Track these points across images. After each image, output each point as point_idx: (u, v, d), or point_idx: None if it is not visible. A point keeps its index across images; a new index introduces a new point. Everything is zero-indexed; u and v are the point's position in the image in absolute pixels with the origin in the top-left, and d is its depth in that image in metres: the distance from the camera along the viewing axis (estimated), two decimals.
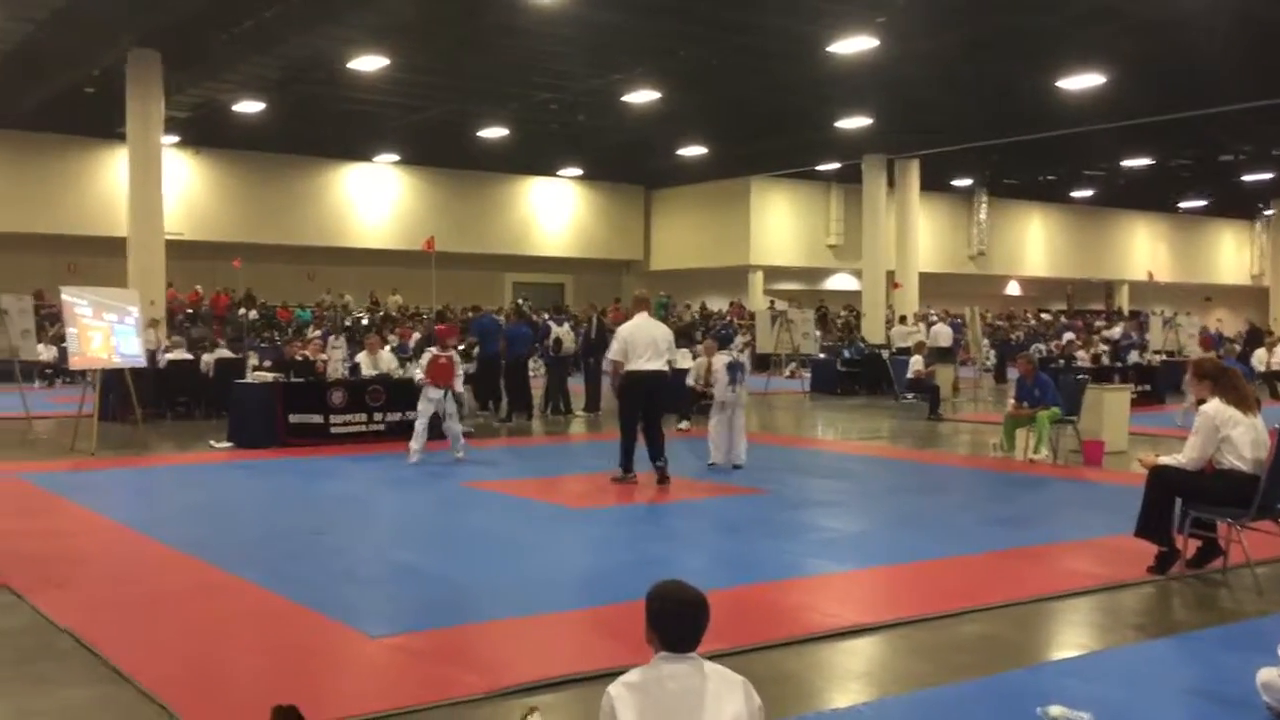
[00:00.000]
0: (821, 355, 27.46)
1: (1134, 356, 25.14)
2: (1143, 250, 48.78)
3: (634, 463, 11.03)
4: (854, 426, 18.05)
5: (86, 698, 4.91)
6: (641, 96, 26.37)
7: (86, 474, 11.87)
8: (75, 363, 14.38)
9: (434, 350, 12.89)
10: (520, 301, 32.64)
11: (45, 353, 23.40)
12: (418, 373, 12.93)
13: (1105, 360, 22.73)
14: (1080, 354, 24.10)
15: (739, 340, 31.19)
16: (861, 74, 23.79)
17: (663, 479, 10.92)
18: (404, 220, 37.00)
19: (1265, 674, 4.72)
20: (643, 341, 10.77)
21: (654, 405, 11.05)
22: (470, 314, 25.60)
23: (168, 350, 18.57)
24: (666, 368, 11.06)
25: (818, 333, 28.75)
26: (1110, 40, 21.31)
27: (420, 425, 12.55)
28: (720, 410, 12.24)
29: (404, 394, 14.75)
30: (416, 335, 22.81)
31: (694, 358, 17.73)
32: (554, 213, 40.95)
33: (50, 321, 25.10)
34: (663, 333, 11.13)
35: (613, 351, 11.00)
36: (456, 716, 4.69)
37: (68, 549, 8.10)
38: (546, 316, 27.93)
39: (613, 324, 25.91)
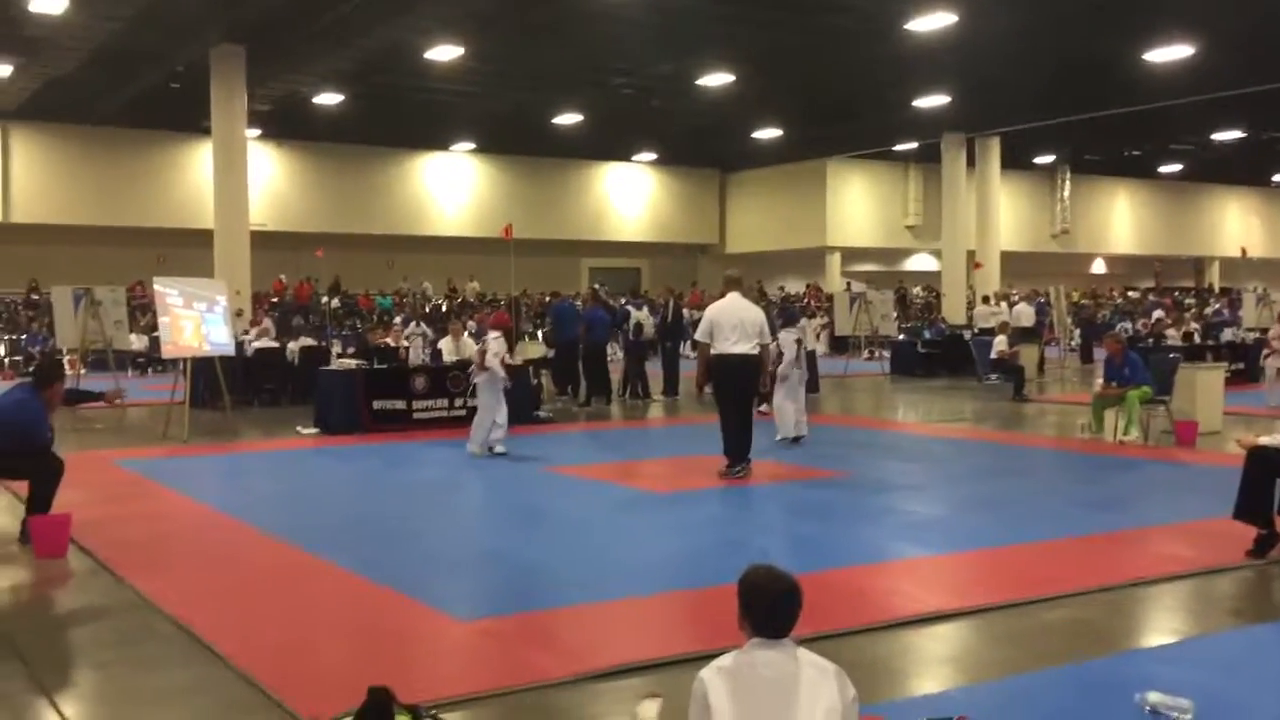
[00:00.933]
0: (900, 337, 27.14)
1: (1227, 334, 24.46)
2: (1234, 225, 47.40)
3: (743, 448, 10.44)
4: (935, 408, 17.82)
5: (188, 678, 5.05)
6: (716, 80, 26.25)
7: (179, 460, 12.18)
8: (168, 351, 14.75)
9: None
10: (597, 286, 32.77)
11: (137, 342, 24.06)
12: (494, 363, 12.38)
13: (1197, 338, 22.16)
14: (1170, 332, 23.53)
15: (805, 322, 31.00)
16: (940, 51, 23.42)
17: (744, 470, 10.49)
18: (481, 208, 37.31)
19: None
20: (729, 323, 10.18)
21: (742, 391, 10.46)
22: (548, 299, 25.76)
23: (256, 338, 18.96)
24: (757, 351, 10.26)
25: (895, 314, 28.43)
26: (1199, 9, 20.70)
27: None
28: (783, 383, 12.58)
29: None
30: None
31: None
32: (629, 198, 40.99)
33: (141, 312, 25.81)
34: (753, 315, 10.38)
35: (699, 332, 10.52)
36: (543, 700, 4.73)
37: (164, 533, 8.32)
38: (624, 301, 27.99)
39: (689, 307, 25.85)
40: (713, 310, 10.52)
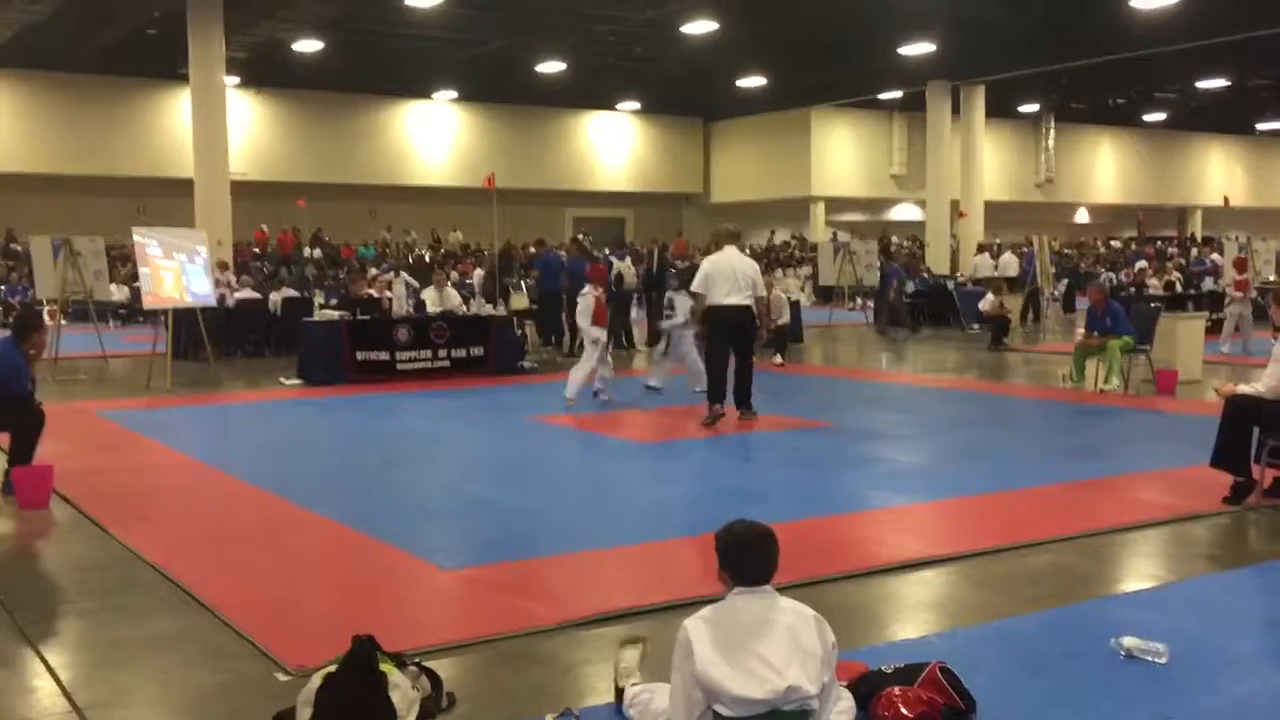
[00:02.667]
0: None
1: (1209, 284, 24.55)
2: (1217, 174, 47.47)
3: (721, 396, 10.72)
4: (919, 359, 17.89)
5: (172, 627, 5.07)
6: (699, 27, 26.01)
7: (163, 411, 12.15)
8: (149, 302, 14.66)
9: (595, 292, 12.33)
10: (580, 236, 32.65)
11: (118, 293, 23.89)
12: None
13: (1179, 288, 22.23)
14: (1152, 282, 23.59)
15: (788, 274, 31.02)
16: None
17: (747, 416, 10.76)
18: (464, 157, 37.05)
19: None
20: (723, 275, 10.43)
21: (741, 342, 10.69)
22: (533, 250, 25.65)
23: (236, 290, 18.85)
24: (750, 303, 10.52)
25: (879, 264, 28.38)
26: None
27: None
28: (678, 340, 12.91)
29: (468, 330, 14.90)
30: (479, 271, 22.91)
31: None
32: (613, 147, 40.75)
33: (121, 263, 25.60)
34: (746, 266, 10.67)
35: (695, 283, 10.75)
36: (529, 647, 4.77)
37: (148, 484, 8.32)
38: (608, 251, 27.90)
39: (674, 257, 25.77)
40: (708, 263, 10.81)
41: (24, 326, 8.09)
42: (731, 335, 10.62)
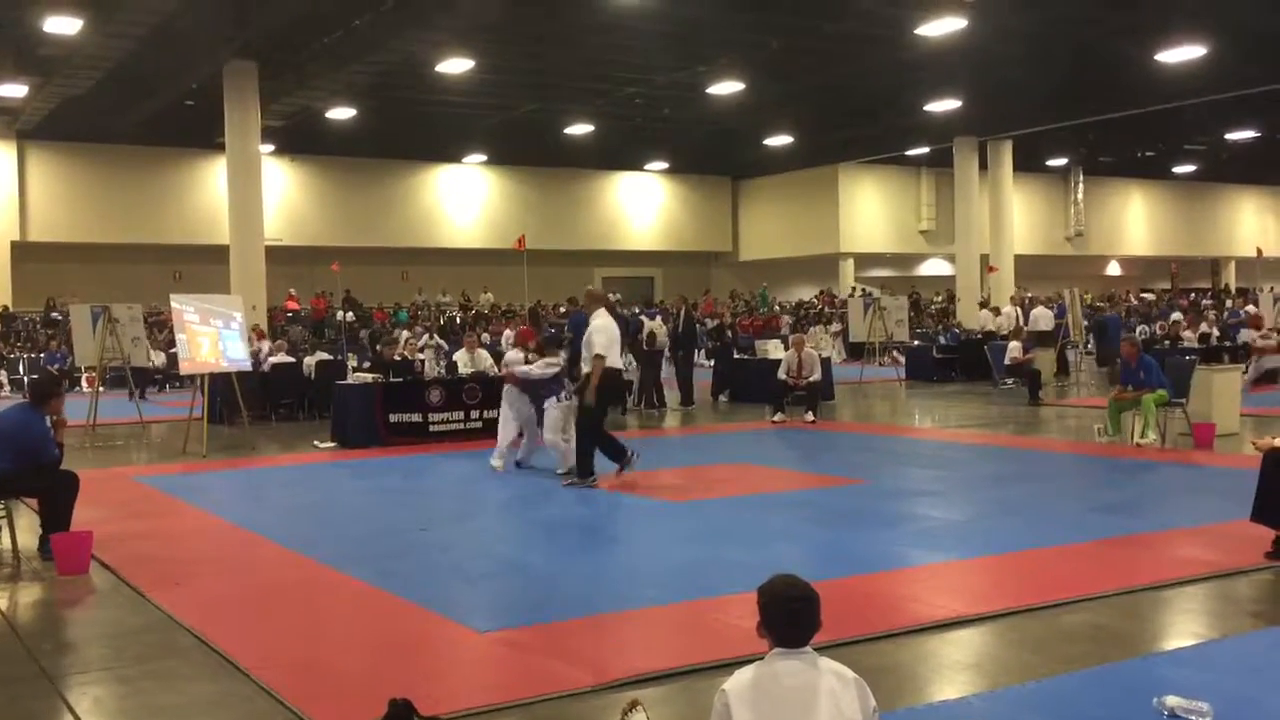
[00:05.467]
0: (915, 343, 27.09)
1: (1244, 335, 24.33)
2: (1250, 225, 47.19)
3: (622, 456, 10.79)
4: (952, 414, 17.78)
5: (210, 692, 5.09)
6: (726, 88, 26.31)
7: (199, 475, 12.25)
8: (185, 368, 14.83)
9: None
10: (610, 296, 32.81)
11: (155, 359, 24.18)
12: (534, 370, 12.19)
13: (1214, 340, 22.08)
14: (1187, 334, 23.42)
15: (823, 328, 30.97)
16: (950, 55, 23.44)
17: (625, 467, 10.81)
18: (494, 219, 37.44)
19: None
20: (613, 339, 10.81)
21: (616, 403, 11.50)
22: (564, 309, 25.79)
23: (271, 354, 19.04)
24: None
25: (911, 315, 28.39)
26: (1210, 9, 20.66)
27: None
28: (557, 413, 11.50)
29: (500, 391, 14.94)
30: (509, 332, 23.07)
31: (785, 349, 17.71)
32: (642, 207, 41.07)
33: (158, 329, 25.94)
34: (619, 329, 11.31)
35: (598, 345, 10.54)
36: (564, 710, 4.75)
37: (184, 548, 8.38)
38: (637, 310, 28.03)
39: (702, 316, 25.81)
40: (603, 326, 10.78)
41: (42, 393, 8.23)
42: (612, 398, 11.21)
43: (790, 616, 3.36)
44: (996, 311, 27.32)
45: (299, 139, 31.41)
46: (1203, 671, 5.06)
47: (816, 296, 39.99)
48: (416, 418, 14.44)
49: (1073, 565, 7.20)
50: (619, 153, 37.01)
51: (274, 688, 5.00)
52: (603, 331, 10.76)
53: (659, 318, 21.75)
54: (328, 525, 9.30)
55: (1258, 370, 19.62)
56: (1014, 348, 19.78)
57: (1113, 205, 44.88)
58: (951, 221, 35.05)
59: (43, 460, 7.88)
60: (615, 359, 10.85)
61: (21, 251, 31.09)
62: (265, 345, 20.19)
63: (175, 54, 21.97)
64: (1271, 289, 29.89)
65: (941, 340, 27.69)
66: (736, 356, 20.89)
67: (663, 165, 40.03)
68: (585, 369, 10.69)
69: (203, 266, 28.85)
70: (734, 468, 10.80)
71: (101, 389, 17.94)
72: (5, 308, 30.08)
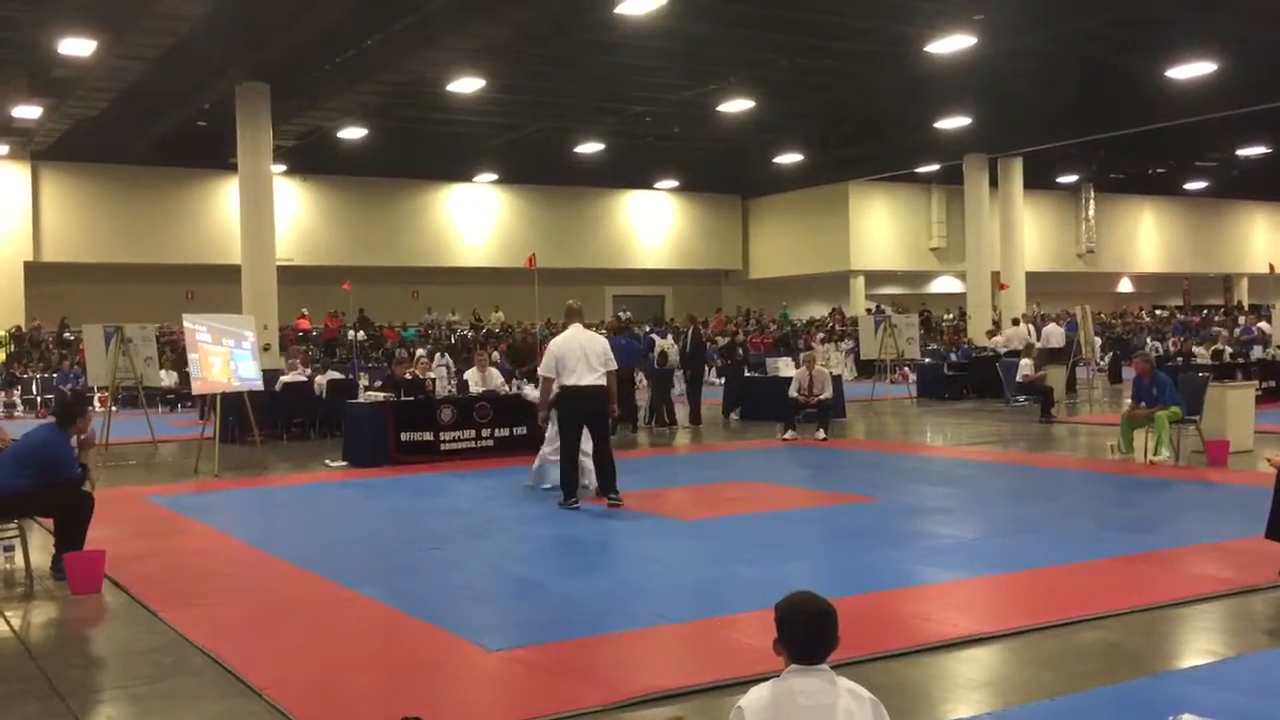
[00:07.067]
0: (927, 360, 27.05)
1: (1257, 352, 24.24)
2: (1262, 241, 47.09)
3: (575, 488, 10.47)
4: (964, 431, 17.74)
5: (222, 711, 5.08)
6: (736, 106, 26.39)
7: (210, 495, 12.27)
8: (198, 387, 14.88)
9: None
10: (620, 314, 32.86)
11: (167, 378, 24.27)
12: (528, 389, 12.42)
13: (1227, 356, 22.00)
14: (1199, 350, 23.35)
15: (838, 346, 30.97)
16: (960, 73, 23.49)
17: (615, 502, 10.41)
18: (505, 238, 37.54)
19: None
20: (573, 355, 10.20)
21: (597, 424, 10.39)
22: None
23: (288, 372, 19.08)
24: (604, 381, 10.28)
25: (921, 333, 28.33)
26: (1220, 26, 20.67)
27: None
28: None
29: (510, 409, 14.98)
30: (495, 354, 23.10)
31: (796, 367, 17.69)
32: (652, 225, 41.14)
33: (171, 348, 26.05)
34: (596, 345, 10.45)
35: (543, 368, 10.39)
36: None
37: (196, 567, 8.38)
38: (648, 329, 28.05)
39: (711, 334, 25.79)
40: (556, 345, 10.49)
41: (69, 413, 8.26)
42: (588, 418, 10.37)
43: (811, 632, 3.34)
44: (996, 329, 27.21)
45: (311, 159, 31.58)
46: (1218, 690, 5.03)
47: (830, 314, 40.01)
48: (428, 436, 14.46)
49: (1086, 583, 7.16)
50: (629, 171, 37.12)
51: (286, 707, 5.00)
52: (550, 352, 10.35)
53: (670, 336, 21.79)
54: (339, 544, 9.30)
55: None
56: (1026, 365, 19.75)
57: (1124, 222, 44.84)
58: (962, 239, 35.03)
59: (62, 480, 7.90)
60: (580, 377, 10.15)
61: (36, 271, 31.27)
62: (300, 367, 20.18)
63: (188, 75, 22.14)
64: None
65: (953, 357, 27.63)
66: (747, 374, 20.89)
67: (673, 183, 40.13)
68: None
69: (215, 286, 28.97)
70: (745, 485, 10.77)
71: (114, 409, 18.00)
72: (19, 328, 30.24)
